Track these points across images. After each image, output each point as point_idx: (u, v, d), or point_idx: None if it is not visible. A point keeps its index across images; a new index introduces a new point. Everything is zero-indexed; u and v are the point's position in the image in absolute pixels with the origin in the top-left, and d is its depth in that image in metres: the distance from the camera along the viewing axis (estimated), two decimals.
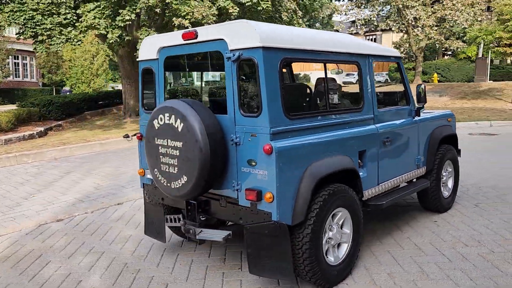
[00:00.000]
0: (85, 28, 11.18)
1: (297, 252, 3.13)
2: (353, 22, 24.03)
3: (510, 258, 3.83)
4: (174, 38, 3.58)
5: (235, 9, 10.91)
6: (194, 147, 3.07)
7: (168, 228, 4.10)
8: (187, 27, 10.43)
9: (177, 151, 3.21)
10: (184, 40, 3.46)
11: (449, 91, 20.79)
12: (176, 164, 3.24)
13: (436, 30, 19.57)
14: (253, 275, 3.32)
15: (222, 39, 3.16)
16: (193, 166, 3.10)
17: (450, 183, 5.33)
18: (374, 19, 21.21)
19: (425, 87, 4.84)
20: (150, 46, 3.82)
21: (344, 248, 3.55)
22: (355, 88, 4.73)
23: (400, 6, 19.57)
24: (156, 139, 3.39)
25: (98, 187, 7.11)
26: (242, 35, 3.02)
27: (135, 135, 4.12)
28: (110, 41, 11.16)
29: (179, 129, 3.16)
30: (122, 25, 10.86)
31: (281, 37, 3.12)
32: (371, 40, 66.15)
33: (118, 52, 16.32)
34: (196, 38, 3.36)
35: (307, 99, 4.20)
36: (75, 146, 10.12)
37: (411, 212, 5.21)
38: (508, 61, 30.80)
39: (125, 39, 11.61)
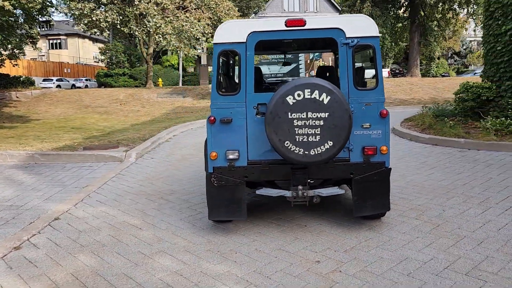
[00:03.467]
0: None
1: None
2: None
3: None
4: (272, 24, 3.92)
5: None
6: (343, 115, 3.68)
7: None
8: None
9: (321, 121, 3.69)
10: (288, 27, 3.89)
11: (188, 93, 23.53)
12: (318, 132, 3.71)
13: (175, 38, 21.76)
14: (323, 223, 4.16)
15: (338, 28, 3.88)
16: (341, 131, 3.70)
17: None
18: (117, 22, 21.35)
19: None
20: (236, 30, 3.92)
21: None
22: None
23: (144, 13, 20.67)
24: (289, 113, 3.70)
25: None
26: (361, 26, 3.88)
27: None
28: None
29: (325, 102, 3.67)
30: None
31: None
32: (56, 43, 62.84)
33: None
34: (304, 25, 3.89)
35: None
36: None
37: None
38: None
39: None
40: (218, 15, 23.03)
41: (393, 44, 35.94)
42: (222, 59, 4.01)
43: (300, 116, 3.71)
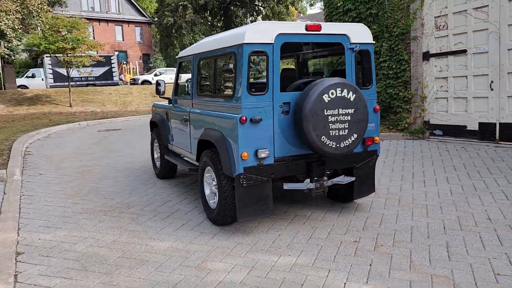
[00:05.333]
0: None
1: None
2: None
3: None
4: (295, 27, 4.13)
5: None
6: (364, 111, 4.19)
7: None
8: None
9: (348, 116, 4.11)
10: (307, 31, 4.18)
11: None
12: (346, 127, 4.12)
13: None
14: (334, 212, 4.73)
15: (345, 34, 4.38)
16: (363, 125, 4.21)
17: None
18: None
19: None
20: (265, 31, 3.98)
21: None
22: None
23: None
24: (325, 110, 4.00)
25: None
26: (361, 33, 4.46)
27: None
28: None
29: (351, 99, 4.11)
30: None
31: None
32: None
33: None
34: (320, 30, 4.24)
35: None
36: None
37: None
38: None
39: None
40: (30, 8, 20.10)
41: None
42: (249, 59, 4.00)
43: (333, 113, 4.08)
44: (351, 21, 11.50)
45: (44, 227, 4.74)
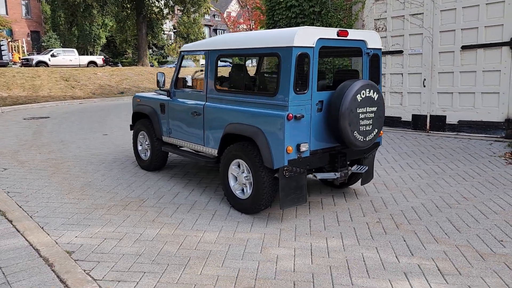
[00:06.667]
0: None
1: None
2: None
3: None
4: (330, 33, 4.55)
5: None
6: (383, 109, 4.80)
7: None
8: None
9: (372, 114, 4.69)
10: (338, 36, 4.64)
11: None
12: (371, 123, 4.69)
13: None
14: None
15: (363, 40, 4.93)
16: (381, 121, 4.82)
17: None
18: None
19: None
20: (309, 35, 4.34)
21: None
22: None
23: None
24: (358, 108, 4.52)
25: None
26: (374, 39, 5.05)
27: None
28: None
29: (375, 99, 4.68)
30: None
31: None
32: None
33: None
34: (347, 36, 4.73)
35: None
36: None
37: None
38: None
39: None
40: None
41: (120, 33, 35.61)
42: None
43: (363, 111, 4.63)
44: (294, 17, 12.16)
45: (68, 224, 4.57)
